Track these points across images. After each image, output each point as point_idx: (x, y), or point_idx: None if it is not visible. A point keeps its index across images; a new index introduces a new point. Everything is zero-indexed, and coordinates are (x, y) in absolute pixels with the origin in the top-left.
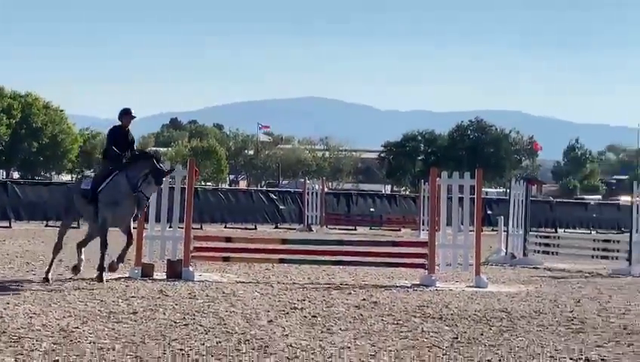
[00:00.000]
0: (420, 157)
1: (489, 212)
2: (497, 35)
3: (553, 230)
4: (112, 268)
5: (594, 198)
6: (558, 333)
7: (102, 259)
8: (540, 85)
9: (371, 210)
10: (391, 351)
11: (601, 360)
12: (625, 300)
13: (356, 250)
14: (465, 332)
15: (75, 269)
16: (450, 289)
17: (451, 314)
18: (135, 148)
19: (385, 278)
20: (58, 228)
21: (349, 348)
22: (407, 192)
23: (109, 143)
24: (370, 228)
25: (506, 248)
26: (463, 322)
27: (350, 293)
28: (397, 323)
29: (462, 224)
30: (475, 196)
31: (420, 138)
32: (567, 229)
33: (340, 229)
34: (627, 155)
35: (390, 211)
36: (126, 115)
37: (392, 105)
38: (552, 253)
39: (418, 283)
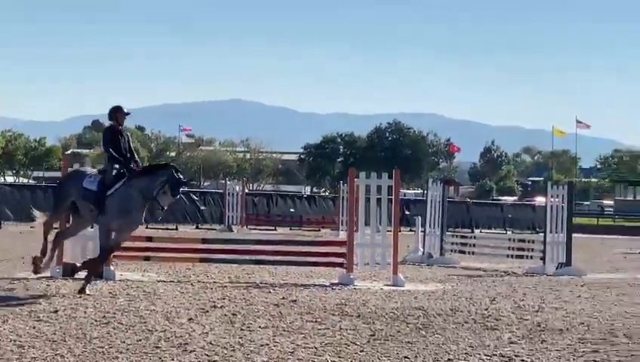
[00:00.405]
0: (339, 159)
1: (407, 212)
2: (414, 39)
3: (470, 230)
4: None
5: (509, 199)
6: (474, 330)
7: (96, 265)
8: (456, 88)
9: (291, 210)
10: (309, 348)
11: (515, 356)
12: (539, 298)
13: (276, 250)
14: (382, 329)
15: (37, 269)
16: (368, 288)
17: (369, 312)
18: (132, 147)
19: (304, 277)
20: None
21: (267, 345)
22: (327, 193)
23: (107, 147)
24: (290, 229)
25: (424, 248)
26: (380, 320)
27: (270, 292)
28: (315, 321)
29: (380, 224)
30: (393, 196)
31: (339, 140)
32: (484, 229)
33: (260, 229)
34: (542, 157)
35: (310, 212)
36: (117, 112)
37: (311, 107)
38: (469, 252)
39: (337, 281)
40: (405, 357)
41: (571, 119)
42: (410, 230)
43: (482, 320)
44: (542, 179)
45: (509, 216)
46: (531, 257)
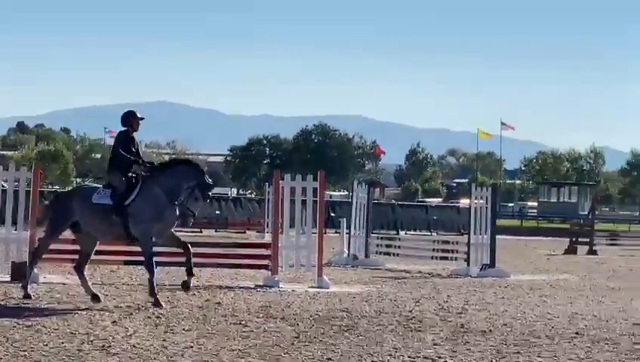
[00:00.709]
0: (265, 161)
1: (332, 214)
2: (340, 40)
3: (395, 232)
4: (186, 285)
5: (435, 201)
6: (398, 332)
7: (151, 283)
8: (383, 90)
9: (217, 212)
10: (233, 350)
11: (438, 357)
12: (463, 300)
13: (201, 252)
14: (306, 331)
15: (95, 298)
16: (293, 290)
17: (293, 314)
18: (141, 155)
19: (229, 279)
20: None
21: (191, 347)
22: (253, 195)
23: (118, 149)
24: (216, 231)
25: (349, 249)
26: (304, 322)
27: (194, 294)
28: (240, 323)
29: (305, 226)
30: (318, 198)
31: (265, 142)
32: (409, 231)
33: (185, 231)
34: (467, 159)
35: (236, 213)
36: (132, 117)
37: (237, 109)
38: (393, 254)
39: (262, 284)
40: (329, 359)
41: (496, 121)
42: (336, 232)
43: (406, 322)
44: (467, 181)
45: (434, 217)
46: (455, 259)
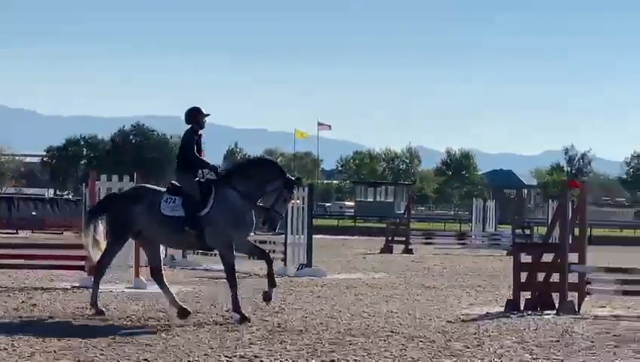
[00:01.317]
0: (82, 162)
1: None
2: (154, 38)
3: None
4: (268, 297)
5: None
6: (214, 332)
7: (235, 298)
8: (196, 90)
9: (33, 213)
10: (48, 352)
11: (255, 356)
12: (280, 299)
13: (17, 253)
14: (123, 332)
15: (183, 313)
16: (110, 291)
17: (110, 315)
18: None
19: (46, 281)
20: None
21: (6, 349)
22: (71, 196)
23: (192, 153)
24: (33, 232)
25: (166, 250)
26: (121, 322)
27: (9, 296)
28: (56, 325)
29: None
30: None
31: (82, 142)
32: None
33: (0, 233)
34: (284, 159)
35: (53, 215)
36: (196, 113)
37: (55, 110)
38: (212, 254)
39: (78, 285)
40: (145, 360)
41: (313, 121)
42: None
43: (223, 322)
44: None
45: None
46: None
